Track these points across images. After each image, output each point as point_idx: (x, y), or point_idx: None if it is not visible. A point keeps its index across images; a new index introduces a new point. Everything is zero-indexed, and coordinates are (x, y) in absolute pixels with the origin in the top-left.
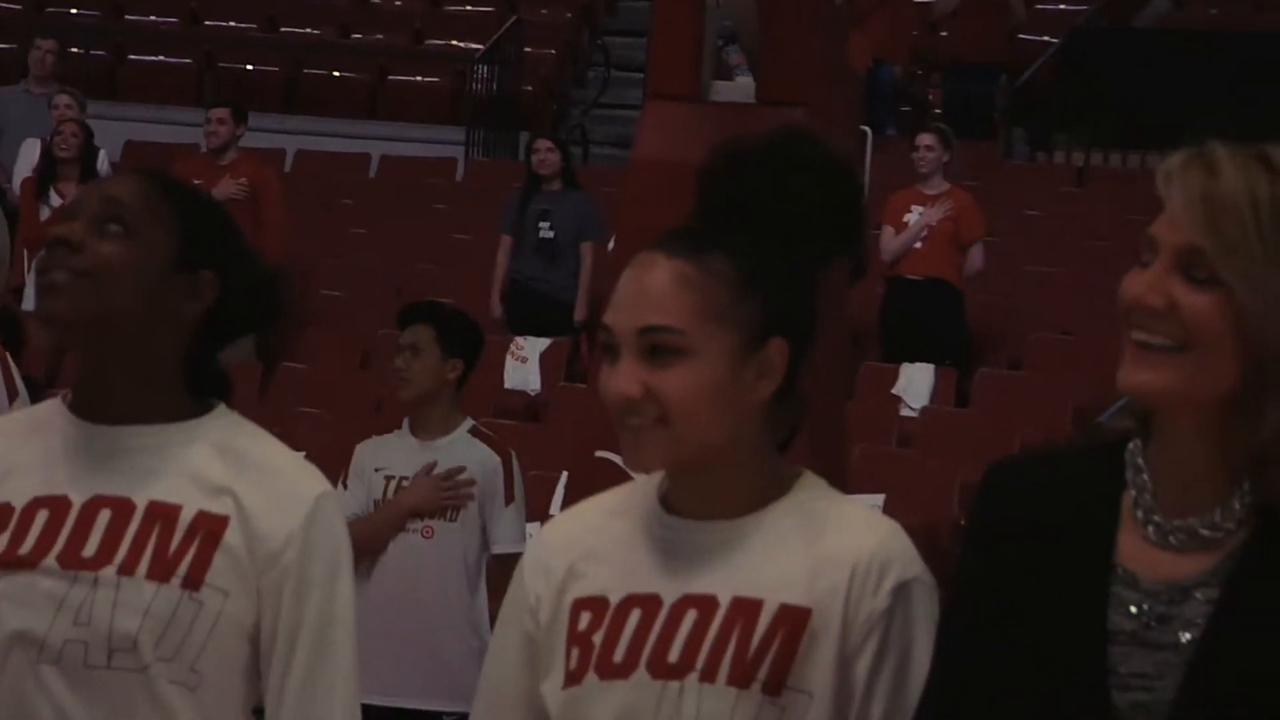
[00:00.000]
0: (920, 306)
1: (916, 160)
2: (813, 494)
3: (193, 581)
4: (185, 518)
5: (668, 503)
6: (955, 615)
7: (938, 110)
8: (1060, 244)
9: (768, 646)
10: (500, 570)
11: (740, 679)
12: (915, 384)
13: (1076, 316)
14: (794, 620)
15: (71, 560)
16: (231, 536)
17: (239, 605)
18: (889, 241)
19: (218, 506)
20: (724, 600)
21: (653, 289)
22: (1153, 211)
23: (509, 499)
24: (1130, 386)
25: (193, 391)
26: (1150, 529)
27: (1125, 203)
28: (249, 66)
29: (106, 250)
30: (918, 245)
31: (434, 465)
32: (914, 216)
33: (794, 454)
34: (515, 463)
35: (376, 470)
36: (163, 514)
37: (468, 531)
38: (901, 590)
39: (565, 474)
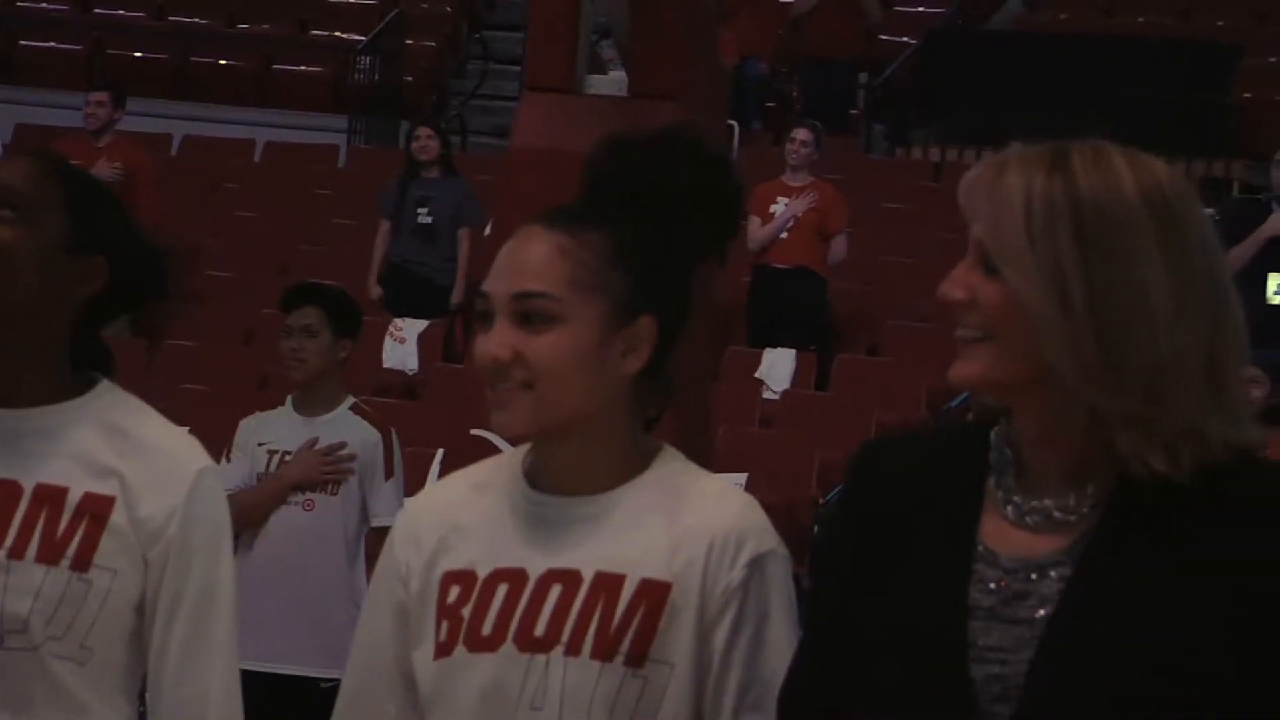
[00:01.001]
0: (785, 294)
1: (789, 152)
2: (673, 469)
3: (81, 563)
4: (72, 500)
5: (532, 478)
6: (823, 591)
7: (798, 106)
8: (917, 235)
9: (630, 620)
10: (380, 542)
11: (604, 652)
12: (777, 368)
13: (932, 305)
14: (655, 594)
15: None
16: (118, 516)
17: (127, 581)
18: (755, 231)
19: (104, 487)
20: (587, 575)
21: (529, 258)
22: None
23: (388, 474)
24: (953, 379)
25: (77, 368)
26: (1009, 509)
27: None
28: (137, 53)
29: (3, 235)
30: (784, 235)
31: (316, 441)
32: (779, 207)
33: (660, 433)
34: (395, 439)
35: (260, 445)
36: (50, 497)
37: (347, 505)
38: (757, 563)
39: (441, 451)
